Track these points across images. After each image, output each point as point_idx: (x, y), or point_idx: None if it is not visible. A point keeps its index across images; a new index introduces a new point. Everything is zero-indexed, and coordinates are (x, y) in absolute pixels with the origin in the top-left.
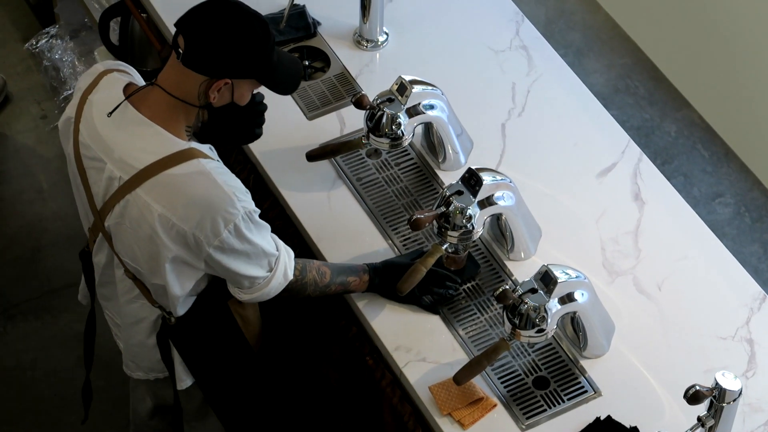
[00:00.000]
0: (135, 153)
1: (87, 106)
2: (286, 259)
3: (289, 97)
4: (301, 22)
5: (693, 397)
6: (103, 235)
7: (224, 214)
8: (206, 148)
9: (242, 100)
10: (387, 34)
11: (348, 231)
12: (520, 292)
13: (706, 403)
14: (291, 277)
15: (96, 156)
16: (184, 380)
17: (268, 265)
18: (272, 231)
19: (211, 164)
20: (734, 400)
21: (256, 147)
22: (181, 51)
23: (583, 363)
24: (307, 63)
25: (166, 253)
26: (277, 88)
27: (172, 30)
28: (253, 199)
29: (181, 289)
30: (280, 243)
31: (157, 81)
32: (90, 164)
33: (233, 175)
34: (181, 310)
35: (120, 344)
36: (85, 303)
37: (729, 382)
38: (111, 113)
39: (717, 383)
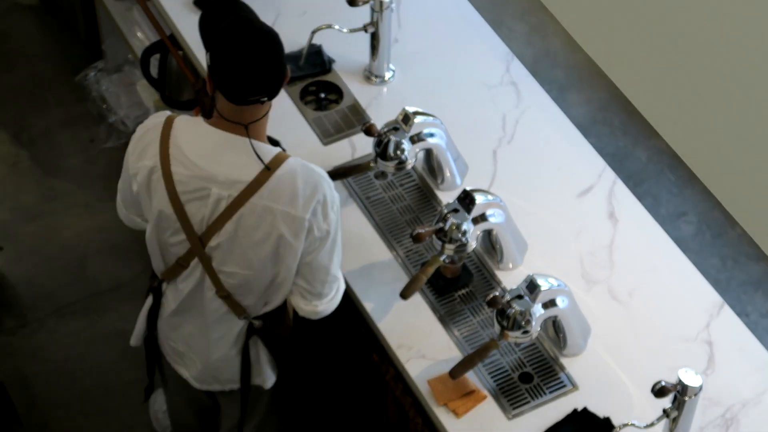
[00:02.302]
0: (240, 169)
1: (175, 150)
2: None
3: (307, 124)
4: (317, 60)
5: (659, 391)
6: (200, 260)
7: (327, 195)
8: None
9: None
10: (393, 70)
11: (358, 243)
12: (508, 298)
13: (670, 397)
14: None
15: (198, 187)
16: (270, 378)
17: (336, 284)
18: None
19: (298, 160)
20: (695, 395)
21: None
22: (263, 100)
23: (563, 361)
24: (323, 96)
25: (286, 245)
26: None
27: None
28: None
29: (290, 281)
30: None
31: (247, 122)
32: (190, 197)
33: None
34: (268, 308)
35: (190, 367)
36: (136, 344)
37: (691, 378)
38: (192, 139)
39: (680, 380)
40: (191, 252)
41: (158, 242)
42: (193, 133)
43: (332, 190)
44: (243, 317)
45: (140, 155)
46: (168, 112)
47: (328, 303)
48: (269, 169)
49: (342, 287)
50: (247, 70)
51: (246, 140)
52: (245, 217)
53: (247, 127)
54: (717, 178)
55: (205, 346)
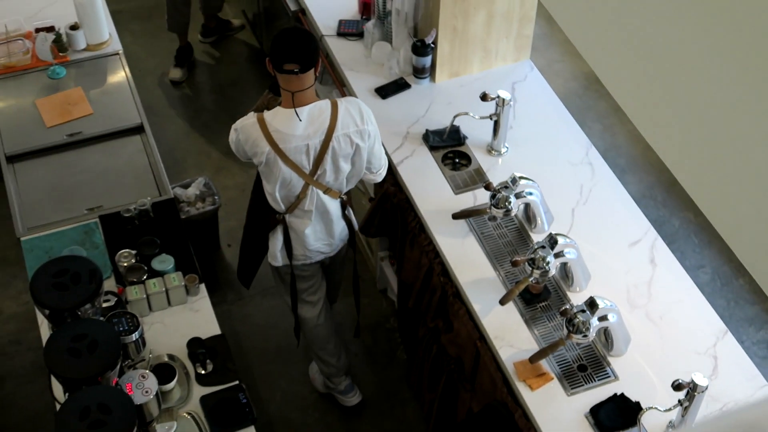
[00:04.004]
0: (320, 124)
1: (275, 134)
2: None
3: (445, 179)
4: (456, 135)
5: (677, 387)
6: (312, 185)
7: (365, 111)
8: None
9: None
10: (507, 147)
11: (473, 264)
12: (574, 311)
13: (684, 392)
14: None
15: (299, 146)
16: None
17: (383, 160)
18: (428, 266)
19: (340, 99)
20: (702, 392)
21: (421, 206)
22: (296, 70)
23: (609, 359)
24: (457, 160)
25: (360, 150)
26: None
27: None
28: (416, 239)
29: (362, 168)
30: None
31: (293, 90)
32: (295, 155)
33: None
34: (348, 188)
35: (327, 247)
36: (283, 262)
37: (700, 380)
38: (284, 125)
39: (693, 380)
40: (306, 184)
41: (283, 193)
42: (280, 118)
43: (366, 107)
44: (338, 198)
45: (254, 144)
46: (252, 115)
47: (383, 170)
48: (333, 115)
49: (386, 164)
50: (282, 46)
51: (308, 107)
52: (334, 146)
53: (293, 94)
54: (728, 243)
55: (331, 227)
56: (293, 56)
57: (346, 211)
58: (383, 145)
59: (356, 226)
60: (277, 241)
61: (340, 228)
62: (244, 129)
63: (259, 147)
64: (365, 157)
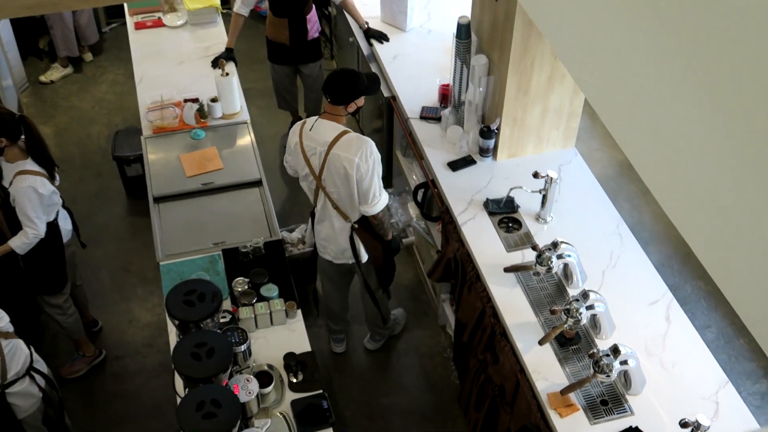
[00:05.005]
0: (328, 137)
1: (304, 134)
2: (386, 197)
3: (500, 240)
4: (510, 204)
5: (683, 425)
6: (321, 189)
7: (371, 151)
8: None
9: (360, 102)
10: (552, 216)
11: (518, 309)
12: (600, 354)
13: (689, 429)
14: (384, 204)
15: (309, 146)
16: (365, 256)
17: (380, 192)
18: (481, 309)
19: (355, 132)
20: (705, 431)
21: (479, 259)
22: (328, 99)
23: (627, 397)
24: (510, 224)
25: (349, 176)
26: (369, 93)
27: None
28: (473, 286)
29: (353, 194)
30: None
31: (325, 110)
32: (311, 155)
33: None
34: (356, 216)
35: (330, 252)
36: (309, 242)
37: (704, 420)
38: (311, 128)
39: (697, 420)
40: (317, 186)
41: (305, 185)
42: (312, 124)
43: (372, 149)
44: (348, 221)
45: (292, 135)
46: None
47: (372, 206)
48: (340, 135)
49: (382, 200)
50: (329, 78)
51: (328, 122)
52: (330, 160)
53: (325, 112)
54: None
55: (335, 239)
56: (329, 89)
57: (354, 239)
58: (388, 191)
59: (363, 258)
60: (308, 230)
61: (342, 246)
62: (294, 131)
63: (293, 138)
64: (353, 186)
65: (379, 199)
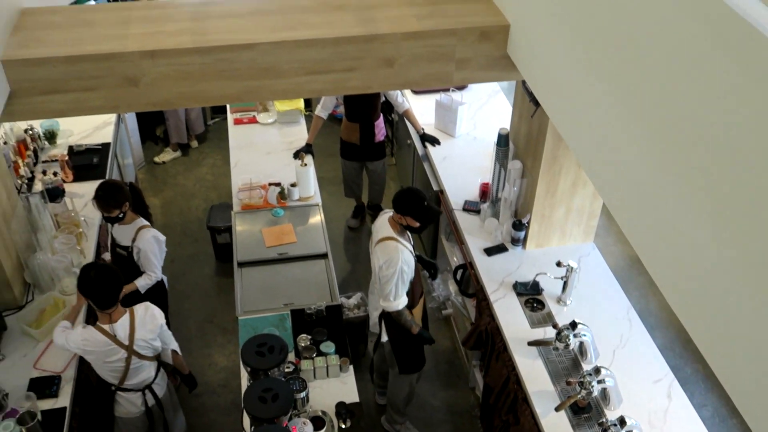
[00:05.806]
0: (378, 234)
1: (375, 223)
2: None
3: (525, 318)
4: (536, 287)
5: None
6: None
7: (398, 262)
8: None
9: (412, 222)
10: (572, 300)
11: (538, 379)
12: (609, 424)
13: None
14: (399, 307)
15: (373, 237)
16: (385, 337)
17: (396, 296)
18: (507, 376)
19: (392, 243)
20: None
21: (507, 333)
22: (391, 213)
23: None
24: (535, 305)
25: (376, 274)
26: (418, 218)
27: None
28: (500, 355)
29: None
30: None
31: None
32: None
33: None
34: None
35: (372, 318)
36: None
37: None
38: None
39: None
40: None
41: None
42: (379, 218)
43: (399, 260)
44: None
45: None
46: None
47: (387, 303)
48: (384, 238)
49: (397, 303)
50: (400, 190)
51: (387, 225)
52: (372, 253)
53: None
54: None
55: (372, 312)
56: (395, 196)
57: (382, 319)
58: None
59: (383, 337)
60: None
61: (374, 320)
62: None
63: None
64: (380, 280)
65: (395, 302)
